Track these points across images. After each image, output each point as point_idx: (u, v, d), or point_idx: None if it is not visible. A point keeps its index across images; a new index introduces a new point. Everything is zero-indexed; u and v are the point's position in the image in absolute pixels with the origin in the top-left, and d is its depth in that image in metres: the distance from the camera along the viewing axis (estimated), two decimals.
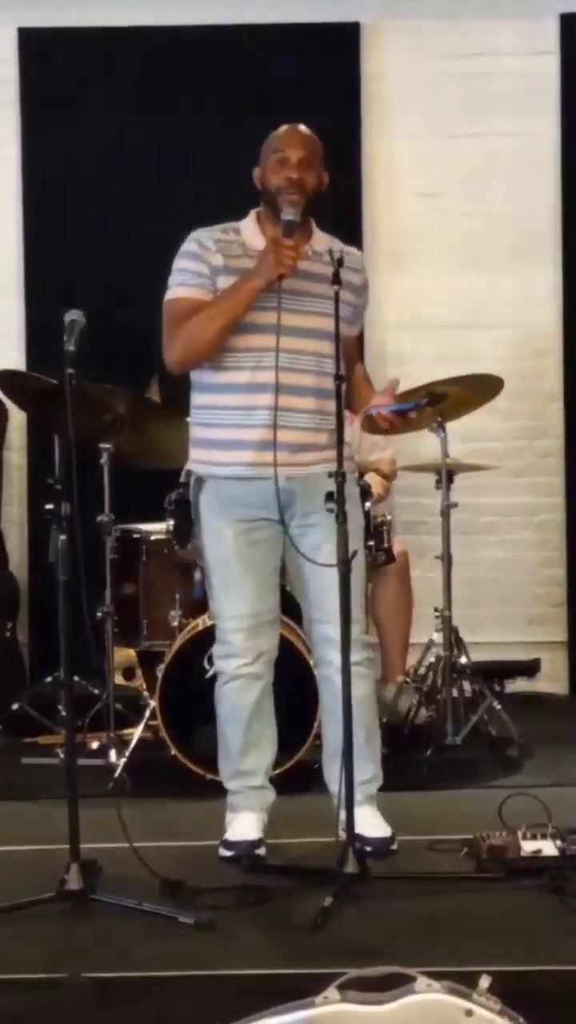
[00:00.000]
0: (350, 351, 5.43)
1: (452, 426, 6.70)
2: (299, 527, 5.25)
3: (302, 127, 5.31)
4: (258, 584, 5.34)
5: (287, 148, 5.23)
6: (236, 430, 5.21)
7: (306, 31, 7.92)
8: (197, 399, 5.42)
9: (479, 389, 6.68)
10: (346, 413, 5.29)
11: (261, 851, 5.30)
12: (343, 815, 5.06)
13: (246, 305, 5.13)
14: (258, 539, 5.24)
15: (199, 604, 6.46)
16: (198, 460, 5.40)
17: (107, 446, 6.61)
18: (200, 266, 5.24)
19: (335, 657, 5.13)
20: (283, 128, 5.31)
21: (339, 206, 5.50)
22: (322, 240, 5.29)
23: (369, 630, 5.61)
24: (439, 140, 8.03)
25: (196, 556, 5.95)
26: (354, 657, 5.17)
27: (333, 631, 5.11)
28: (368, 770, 5.31)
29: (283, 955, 4.53)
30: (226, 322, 5.16)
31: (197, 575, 6.28)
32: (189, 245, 5.30)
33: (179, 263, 5.31)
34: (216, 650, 5.51)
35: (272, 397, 5.11)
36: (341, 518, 4.93)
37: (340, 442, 5.03)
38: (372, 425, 5.26)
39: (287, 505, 5.17)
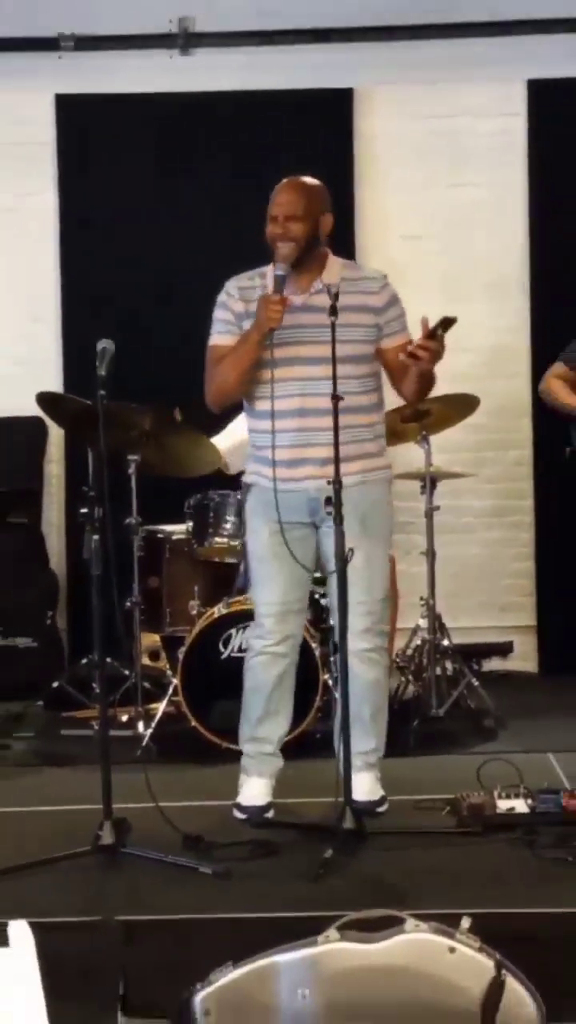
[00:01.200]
0: (390, 362, 5.33)
1: (435, 439, 6.76)
2: (328, 529, 5.23)
3: (293, 180, 5.31)
4: (289, 577, 5.36)
5: (273, 205, 5.25)
6: (270, 450, 5.20)
7: (306, 96, 7.92)
8: (247, 423, 5.47)
9: (458, 406, 6.71)
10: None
11: (269, 814, 5.35)
12: (343, 778, 5.07)
13: (254, 353, 5.16)
14: (291, 539, 5.24)
15: (214, 595, 6.51)
16: (249, 471, 5.46)
17: (134, 458, 6.62)
18: (227, 314, 5.30)
19: (352, 643, 5.16)
20: (286, 183, 5.31)
21: (336, 248, 5.48)
22: (334, 272, 5.27)
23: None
24: (422, 190, 8.03)
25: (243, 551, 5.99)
26: (369, 644, 5.29)
27: (352, 621, 5.13)
28: (371, 742, 5.35)
29: (289, 901, 4.57)
30: (241, 370, 5.21)
31: (243, 567, 6.23)
32: (220, 295, 5.36)
33: (214, 313, 5.36)
34: (250, 630, 5.60)
35: (296, 420, 5.16)
36: (338, 520, 4.94)
37: (337, 457, 5.00)
38: (415, 362, 5.10)
39: (315, 511, 5.21)
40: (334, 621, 5.34)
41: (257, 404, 5.28)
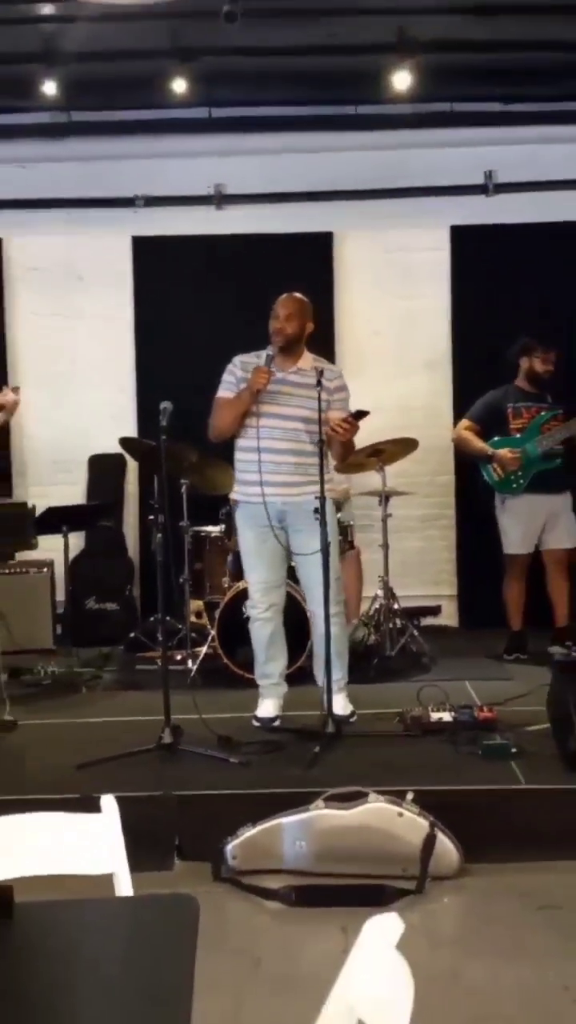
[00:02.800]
0: (347, 447, 5.45)
1: (389, 469, 6.80)
2: (292, 532, 5.32)
3: (291, 295, 5.39)
4: (268, 564, 5.41)
5: (278, 307, 5.32)
6: (252, 474, 5.25)
7: (301, 237, 7.90)
8: (235, 456, 5.46)
9: (404, 446, 6.71)
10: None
11: (277, 723, 5.40)
12: (326, 699, 5.13)
13: (245, 406, 5.24)
14: (267, 537, 5.28)
15: (239, 574, 6.48)
16: (236, 492, 5.47)
17: (185, 481, 6.70)
18: (231, 377, 5.36)
19: (319, 610, 5.23)
20: (287, 297, 5.36)
21: (320, 338, 5.51)
22: (308, 361, 5.35)
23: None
24: (381, 300, 8.02)
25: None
26: (333, 609, 5.25)
27: (319, 595, 5.17)
28: (339, 673, 5.34)
29: (290, 781, 4.62)
30: (234, 416, 5.29)
31: (229, 559, 6.22)
32: (230, 364, 5.40)
33: (223, 376, 5.40)
34: (247, 603, 5.61)
35: (270, 456, 5.21)
36: (323, 523, 5.04)
37: (322, 479, 5.09)
38: (332, 437, 5.21)
39: (281, 519, 5.26)
40: (310, 593, 5.39)
41: (242, 442, 5.34)
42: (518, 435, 6.67)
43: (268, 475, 5.20)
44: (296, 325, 5.29)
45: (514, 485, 6.66)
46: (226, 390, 5.33)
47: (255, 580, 5.46)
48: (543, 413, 6.66)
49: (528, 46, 6.82)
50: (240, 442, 5.35)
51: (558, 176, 7.79)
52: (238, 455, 5.41)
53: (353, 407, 5.26)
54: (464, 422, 6.87)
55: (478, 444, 6.74)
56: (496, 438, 6.70)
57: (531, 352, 6.71)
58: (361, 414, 5.18)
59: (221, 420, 5.32)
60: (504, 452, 6.62)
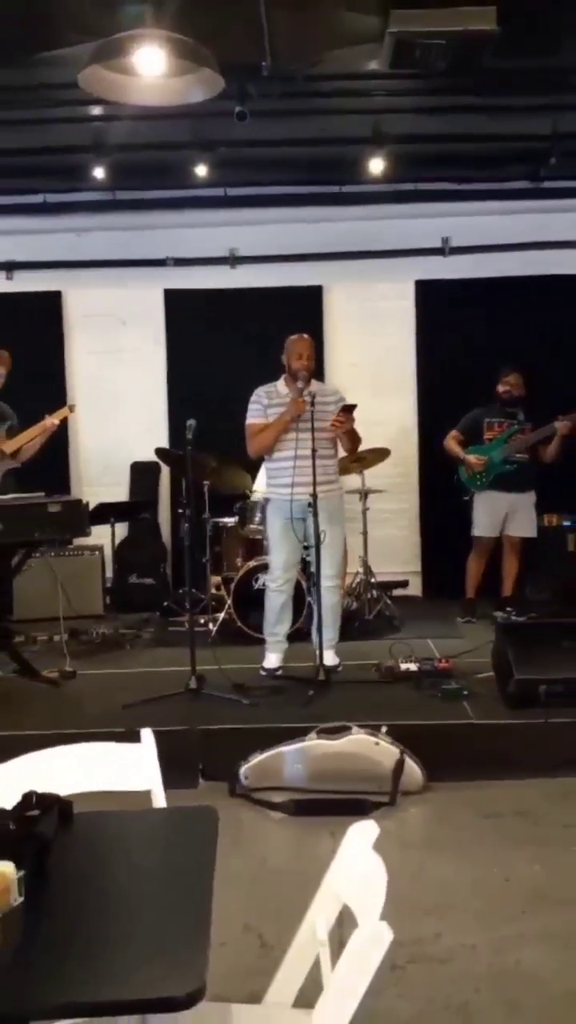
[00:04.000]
0: (352, 437, 5.40)
1: (367, 472, 6.80)
2: (311, 524, 5.23)
3: (305, 337, 5.43)
4: (288, 548, 5.38)
5: (301, 349, 5.32)
6: (286, 477, 5.22)
7: (297, 289, 7.87)
8: (267, 464, 5.45)
9: (379, 454, 6.72)
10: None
11: (279, 672, 5.40)
12: (318, 653, 5.13)
13: (284, 428, 5.22)
14: (289, 528, 5.27)
15: (249, 555, 6.52)
16: (268, 489, 5.47)
17: (207, 482, 6.66)
18: (257, 406, 5.35)
19: (324, 581, 5.23)
20: (297, 337, 5.40)
21: (317, 370, 5.53)
22: (316, 387, 5.31)
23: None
24: (359, 340, 7.98)
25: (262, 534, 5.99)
26: (333, 583, 5.34)
27: (324, 570, 5.20)
28: (331, 633, 5.36)
29: (290, 718, 4.62)
30: (275, 436, 5.26)
31: (266, 542, 6.13)
32: (254, 395, 5.39)
33: (251, 404, 5.38)
34: (267, 576, 5.60)
35: (299, 463, 5.14)
36: (316, 516, 5.04)
37: (315, 480, 5.08)
38: (335, 428, 5.21)
39: (304, 513, 5.22)
40: (314, 570, 5.34)
41: (276, 454, 5.30)
42: (489, 444, 6.71)
43: (298, 477, 5.17)
44: (312, 360, 5.34)
45: (478, 483, 6.68)
46: (256, 417, 5.32)
47: (278, 560, 5.42)
48: (513, 426, 6.69)
49: (475, 139, 6.84)
50: (277, 454, 5.31)
51: (499, 241, 7.76)
52: (271, 464, 5.37)
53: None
54: (453, 432, 6.86)
55: (456, 450, 6.76)
56: (471, 446, 6.73)
57: (500, 377, 6.76)
58: (349, 407, 5.19)
59: (265, 441, 5.27)
60: (472, 457, 6.65)
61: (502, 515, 6.70)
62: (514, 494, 6.67)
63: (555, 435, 6.48)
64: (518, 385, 6.71)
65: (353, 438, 5.40)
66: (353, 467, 6.63)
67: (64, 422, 6.23)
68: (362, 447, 6.43)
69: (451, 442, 6.83)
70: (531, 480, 6.68)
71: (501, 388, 6.72)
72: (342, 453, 5.61)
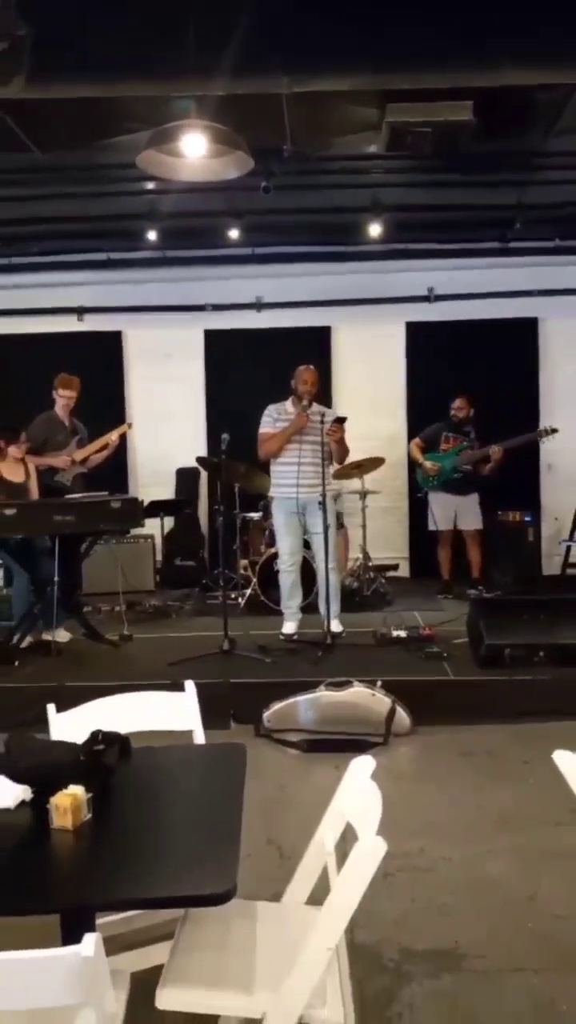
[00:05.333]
0: (342, 446, 5.33)
1: (365, 476, 6.71)
2: (309, 517, 5.24)
3: (310, 368, 5.37)
4: (293, 537, 5.34)
5: (307, 377, 5.28)
6: (287, 478, 5.19)
7: (311, 330, 7.82)
8: (272, 467, 5.40)
9: (374, 462, 6.63)
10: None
11: (295, 637, 5.35)
12: (326, 622, 5.12)
13: (287, 438, 5.18)
14: (293, 520, 5.25)
15: (272, 543, 6.42)
16: (273, 488, 5.40)
17: (238, 484, 6.61)
18: (268, 419, 5.32)
19: (322, 565, 5.19)
20: (304, 367, 5.36)
21: (324, 393, 5.50)
22: (317, 408, 5.28)
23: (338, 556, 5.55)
24: (360, 368, 7.91)
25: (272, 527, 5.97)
26: (333, 564, 5.25)
27: (322, 557, 5.15)
28: (335, 605, 5.31)
29: (303, 673, 4.57)
30: (280, 444, 5.22)
31: (267, 533, 6.19)
32: (266, 411, 5.36)
33: (263, 417, 5.35)
34: (277, 561, 5.55)
35: (301, 468, 5.13)
36: (324, 511, 4.99)
37: (323, 481, 5.04)
38: (330, 442, 5.15)
39: (304, 508, 5.18)
40: (317, 555, 5.33)
41: (281, 458, 5.26)
42: (443, 453, 6.71)
43: (302, 479, 5.16)
44: (315, 387, 5.32)
45: (431, 483, 6.72)
46: (267, 427, 5.30)
47: (285, 547, 5.40)
48: (462, 443, 6.69)
49: (455, 208, 6.82)
50: (280, 459, 5.29)
51: (475, 291, 7.71)
52: (277, 467, 5.34)
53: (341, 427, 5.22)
54: (416, 440, 6.90)
55: (417, 455, 6.81)
56: (429, 453, 6.76)
57: (451, 401, 6.79)
58: (340, 419, 5.17)
59: (273, 446, 5.25)
60: (428, 463, 6.70)
61: (452, 512, 6.72)
62: (459, 496, 6.69)
63: (490, 457, 6.48)
64: (463, 407, 6.74)
65: (342, 447, 5.34)
66: (354, 473, 6.60)
67: (123, 436, 6.24)
68: (360, 456, 6.42)
69: (414, 448, 6.88)
70: (473, 485, 6.68)
71: (452, 411, 6.77)
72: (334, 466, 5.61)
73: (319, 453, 5.13)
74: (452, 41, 3.68)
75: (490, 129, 4.69)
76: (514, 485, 6.87)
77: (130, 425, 6.28)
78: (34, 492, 5.55)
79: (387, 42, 3.71)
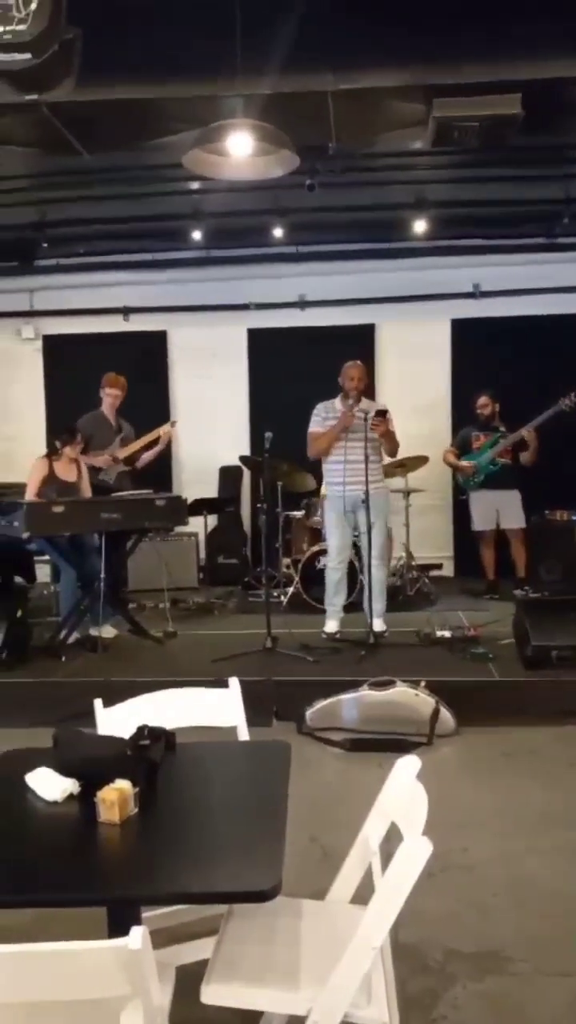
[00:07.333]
0: (389, 439, 5.27)
1: (409, 475, 6.69)
2: (360, 514, 5.19)
3: (358, 363, 5.37)
4: (341, 535, 5.33)
5: (353, 373, 5.28)
6: (335, 476, 5.18)
7: (356, 327, 7.79)
8: (323, 465, 5.39)
9: (418, 460, 6.61)
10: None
11: (337, 636, 5.35)
12: (369, 620, 5.10)
13: (336, 436, 5.16)
14: (342, 518, 5.23)
15: (313, 541, 6.46)
16: (326, 485, 5.39)
17: (280, 483, 6.62)
18: (318, 417, 5.31)
19: (374, 560, 5.15)
20: (351, 363, 5.36)
21: (370, 389, 5.47)
22: (366, 404, 5.25)
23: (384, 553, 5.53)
24: (405, 367, 7.85)
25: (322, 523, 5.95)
26: (379, 561, 5.25)
27: (374, 551, 5.13)
28: (379, 605, 5.31)
29: (346, 673, 4.56)
30: (328, 443, 5.21)
31: (324, 530, 6.16)
32: (315, 409, 5.36)
33: (312, 416, 5.35)
34: (326, 557, 5.55)
35: (349, 465, 5.11)
36: (370, 509, 4.95)
37: (367, 479, 5.02)
38: (374, 428, 5.12)
39: (353, 506, 5.15)
40: (364, 552, 5.31)
41: (331, 458, 5.25)
42: (477, 451, 6.69)
43: (348, 477, 5.15)
44: (363, 382, 5.30)
45: (472, 483, 6.67)
46: (317, 426, 5.29)
47: (334, 544, 5.38)
48: (493, 436, 6.66)
49: (501, 203, 6.73)
50: (329, 457, 5.28)
51: (521, 287, 7.60)
52: (327, 466, 5.31)
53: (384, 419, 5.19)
54: (449, 448, 6.93)
55: (452, 460, 6.82)
56: (464, 454, 6.75)
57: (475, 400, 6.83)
58: (381, 412, 5.13)
59: (320, 446, 5.25)
60: (464, 463, 6.68)
61: (494, 511, 6.63)
62: (501, 491, 6.58)
63: (524, 441, 6.39)
64: (487, 404, 6.70)
65: (391, 440, 5.27)
66: (398, 471, 6.57)
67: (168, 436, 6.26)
68: (404, 454, 6.37)
69: (448, 455, 6.86)
70: (514, 480, 6.58)
71: (477, 409, 6.75)
72: (387, 459, 5.57)
73: (364, 450, 5.11)
74: (498, 34, 3.64)
75: (537, 123, 4.62)
76: (560, 484, 6.78)
77: (174, 424, 6.32)
78: (86, 491, 5.61)
79: (433, 36, 3.68)
